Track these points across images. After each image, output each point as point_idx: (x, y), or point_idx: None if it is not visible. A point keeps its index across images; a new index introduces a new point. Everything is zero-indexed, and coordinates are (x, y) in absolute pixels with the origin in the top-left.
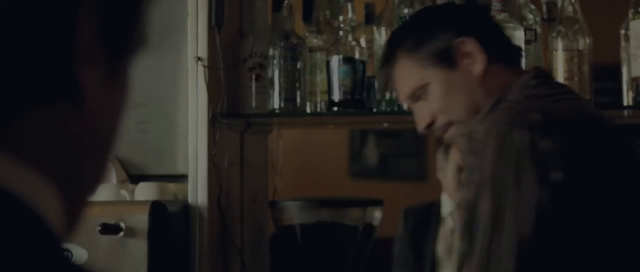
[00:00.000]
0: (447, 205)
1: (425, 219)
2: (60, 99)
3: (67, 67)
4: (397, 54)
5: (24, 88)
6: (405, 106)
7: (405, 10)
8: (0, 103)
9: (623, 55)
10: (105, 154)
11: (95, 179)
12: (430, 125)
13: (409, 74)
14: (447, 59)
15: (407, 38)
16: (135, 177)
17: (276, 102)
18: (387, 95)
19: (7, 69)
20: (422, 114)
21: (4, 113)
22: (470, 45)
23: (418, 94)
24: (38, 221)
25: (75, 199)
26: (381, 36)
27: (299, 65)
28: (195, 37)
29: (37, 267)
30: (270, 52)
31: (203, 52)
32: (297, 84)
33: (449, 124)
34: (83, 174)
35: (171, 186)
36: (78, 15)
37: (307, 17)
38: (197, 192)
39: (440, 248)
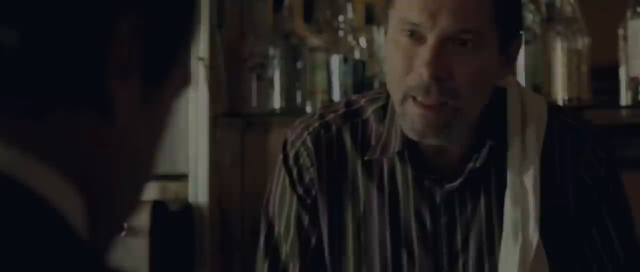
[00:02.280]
0: None
1: None
2: (88, 106)
3: (97, 76)
4: None
5: (50, 88)
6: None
7: None
8: (27, 99)
9: (621, 55)
10: (140, 178)
11: (129, 201)
12: (439, 80)
13: (477, 11)
14: (506, 45)
15: None
16: None
17: (277, 102)
18: None
19: (38, 67)
20: (441, 62)
21: (29, 109)
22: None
23: (463, 38)
24: (59, 217)
25: (104, 213)
26: (381, 36)
27: (299, 65)
28: (196, 37)
29: (59, 263)
30: (271, 52)
31: (204, 52)
32: (297, 84)
33: (454, 98)
34: (114, 191)
35: (172, 185)
36: (115, 29)
37: (308, 18)
38: (198, 192)
39: None
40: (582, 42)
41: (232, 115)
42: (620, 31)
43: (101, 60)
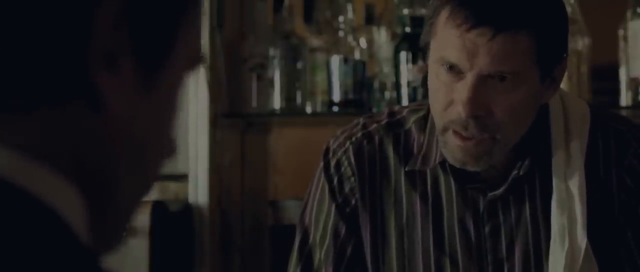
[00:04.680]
0: None
1: None
2: (76, 100)
3: (80, 69)
4: (522, 25)
5: (32, 85)
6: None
7: (405, 11)
8: (10, 98)
9: (621, 55)
10: (146, 167)
11: (134, 193)
12: (477, 117)
13: (516, 53)
14: (549, 71)
15: (544, 20)
16: None
17: (276, 102)
18: (387, 95)
19: (17, 64)
20: (479, 100)
21: (14, 108)
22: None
23: (502, 77)
24: (54, 217)
25: (106, 210)
26: (381, 36)
27: (299, 65)
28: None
29: (52, 266)
30: (271, 52)
31: (204, 52)
32: (297, 84)
33: (493, 133)
34: (115, 186)
35: (172, 185)
36: (95, 19)
37: (308, 18)
38: (198, 192)
39: None
40: (582, 43)
41: (232, 115)
42: (620, 32)
43: (83, 52)
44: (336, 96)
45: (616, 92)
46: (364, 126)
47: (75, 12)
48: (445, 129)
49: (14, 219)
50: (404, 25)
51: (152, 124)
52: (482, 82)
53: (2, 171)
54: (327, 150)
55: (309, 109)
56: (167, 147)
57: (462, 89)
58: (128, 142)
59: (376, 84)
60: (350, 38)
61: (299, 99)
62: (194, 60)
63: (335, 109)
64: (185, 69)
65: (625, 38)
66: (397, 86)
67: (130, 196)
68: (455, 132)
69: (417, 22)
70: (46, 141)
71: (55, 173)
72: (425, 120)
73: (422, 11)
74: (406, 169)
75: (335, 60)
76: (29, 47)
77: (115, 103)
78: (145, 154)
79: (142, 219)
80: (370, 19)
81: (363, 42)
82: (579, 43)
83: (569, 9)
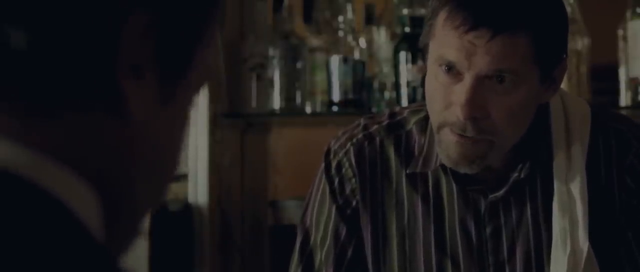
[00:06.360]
0: None
1: None
2: (100, 106)
3: (107, 75)
4: (521, 26)
5: (59, 88)
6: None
7: (405, 11)
8: (36, 100)
9: (621, 55)
10: (160, 177)
11: (147, 201)
12: (475, 119)
13: (514, 52)
14: (549, 72)
15: (543, 22)
16: None
17: (276, 102)
18: (387, 95)
19: (46, 67)
20: (477, 102)
21: (39, 110)
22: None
23: (500, 76)
24: (72, 218)
25: (122, 212)
26: (381, 36)
27: (299, 65)
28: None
29: (71, 264)
30: (271, 52)
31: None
32: (297, 84)
33: (491, 134)
34: (131, 191)
35: (172, 185)
36: (124, 28)
37: (308, 18)
38: (198, 192)
39: None
40: (582, 43)
41: (232, 115)
42: (620, 32)
43: (111, 59)
44: (336, 96)
45: (616, 92)
46: (365, 127)
47: (104, 22)
48: (441, 127)
49: (32, 219)
50: (403, 25)
51: (167, 134)
52: (481, 84)
53: (21, 170)
54: (328, 151)
55: (308, 109)
56: (179, 158)
57: (461, 91)
58: (146, 149)
59: (376, 84)
60: (350, 38)
61: (298, 99)
62: (208, 77)
63: (335, 109)
64: (199, 85)
65: (625, 38)
66: (396, 86)
67: (143, 201)
68: (452, 131)
69: (417, 22)
70: (68, 143)
71: (75, 175)
72: (425, 122)
73: (422, 11)
74: (407, 172)
75: (335, 60)
76: (57, 53)
77: (137, 111)
78: (160, 161)
79: None
80: (370, 19)
81: (363, 42)
82: (579, 43)
83: (568, 9)
